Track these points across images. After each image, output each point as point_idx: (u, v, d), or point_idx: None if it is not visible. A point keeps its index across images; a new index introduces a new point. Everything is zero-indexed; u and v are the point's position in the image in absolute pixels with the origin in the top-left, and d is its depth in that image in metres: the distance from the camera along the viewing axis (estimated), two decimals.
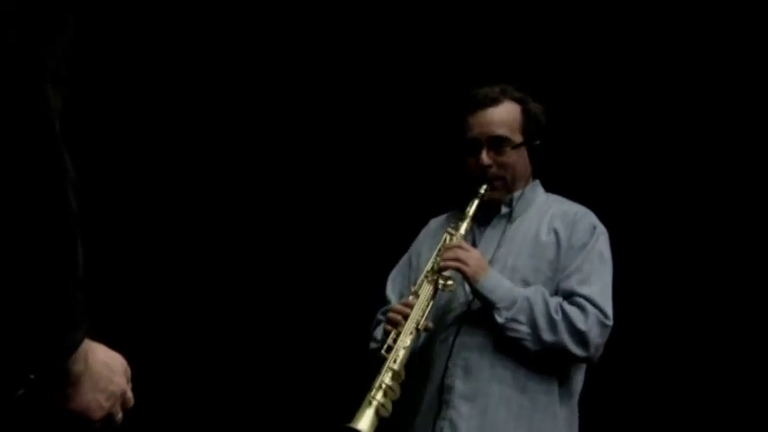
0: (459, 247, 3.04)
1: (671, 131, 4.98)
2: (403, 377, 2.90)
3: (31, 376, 1.67)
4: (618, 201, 3.95)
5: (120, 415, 1.81)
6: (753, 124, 4.96)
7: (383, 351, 2.94)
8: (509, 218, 3.19)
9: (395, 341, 2.95)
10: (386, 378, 2.88)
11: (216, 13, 4.91)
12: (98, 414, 1.74)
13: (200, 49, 4.95)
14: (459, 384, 3.04)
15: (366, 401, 2.85)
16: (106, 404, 1.77)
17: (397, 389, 2.89)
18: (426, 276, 3.06)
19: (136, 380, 1.86)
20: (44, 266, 1.61)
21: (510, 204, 3.19)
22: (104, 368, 1.78)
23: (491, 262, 3.09)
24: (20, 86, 1.63)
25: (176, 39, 4.97)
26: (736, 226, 4.94)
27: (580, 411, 3.23)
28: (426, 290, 3.03)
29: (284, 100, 5.10)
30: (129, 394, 1.83)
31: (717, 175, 4.98)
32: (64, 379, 1.68)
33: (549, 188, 3.40)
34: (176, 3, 4.85)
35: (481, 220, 3.21)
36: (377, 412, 2.84)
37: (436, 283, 3.03)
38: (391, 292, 3.31)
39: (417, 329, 2.98)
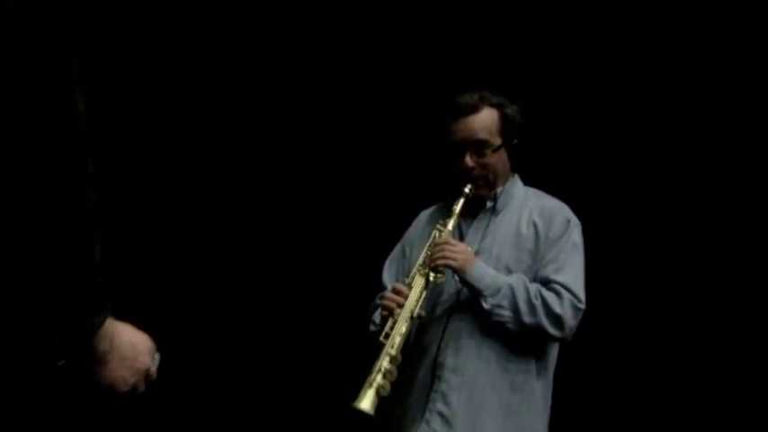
0: (447, 243, 3.21)
1: (640, 128, 4.94)
2: (400, 360, 3.06)
3: (61, 362, 1.76)
4: (591, 193, 4.02)
5: (143, 388, 1.91)
6: (724, 116, 4.90)
7: (381, 338, 3.09)
8: (493, 211, 3.35)
9: (392, 329, 3.10)
10: (384, 362, 3.03)
11: (208, 19, 4.86)
12: (123, 388, 1.86)
13: (193, 51, 4.90)
14: (450, 362, 3.21)
15: (367, 383, 3.00)
16: (131, 380, 1.87)
17: (395, 371, 3.04)
18: (419, 270, 3.23)
19: None
20: (64, 256, 1.68)
21: (494, 199, 3.34)
22: (129, 347, 1.87)
23: (478, 252, 3.27)
24: (48, 90, 1.69)
25: (174, 39, 4.91)
26: (703, 213, 4.92)
27: (555, 384, 3.35)
28: (419, 282, 3.20)
29: (285, 98, 5.12)
30: (153, 370, 1.93)
31: (685, 166, 4.95)
32: (91, 357, 1.79)
33: (527, 181, 3.51)
34: (175, 3, 4.81)
35: (468, 214, 3.36)
36: (377, 393, 2.99)
37: (427, 276, 3.20)
38: (387, 278, 3.47)
39: (412, 317, 3.14)
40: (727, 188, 4.90)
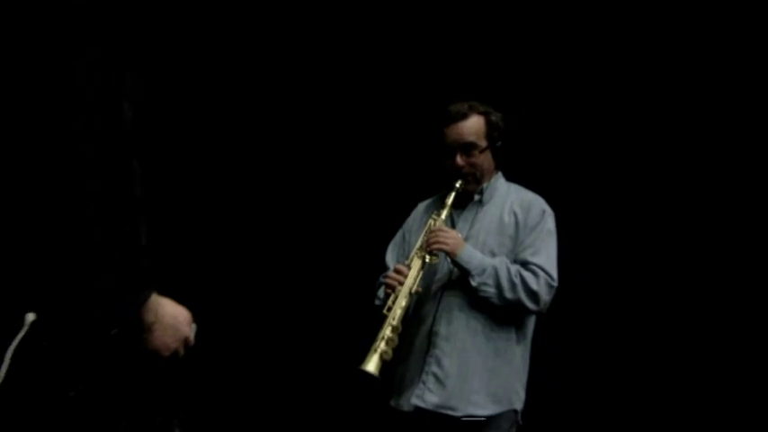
0: (441, 230, 3.51)
1: (623, 126, 5.07)
2: (400, 330, 3.36)
3: (113, 331, 1.91)
4: (563, 187, 4.14)
5: (182, 353, 2.09)
6: (709, 111, 4.97)
7: (384, 311, 3.40)
8: (480, 203, 3.65)
9: (394, 303, 3.41)
10: (387, 331, 3.33)
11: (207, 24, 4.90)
12: (166, 353, 2.04)
13: (195, 53, 4.90)
14: (443, 331, 3.50)
15: (372, 349, 3.30)
16: (173, 345, 2.05)
17: (396, 339, 3.33)
18: (416, 253, 3.53)
19: None
20: (118, 242, 1.87)
21: (481, 193, 3.64)
22: (171, 318, 2.04)
23: (467, 238, 3.56)
24: (104, 100, 1.86)
25: (172, 39, 4.74)
26: (691, 208, 4.97)
27: (532, 350, 3.64)
28: (417, 263, 3.51)
29: (290, 97, 5.19)
30: (191, 337, 2.11)
31: (673, 162, 5.01)
32: (139, 327, 1.96)
33: (509, 177, 3.78)
34: (173, 3, 4.75)
35: (458, 206, 3.65)
36: (381, 357, 3.28)
37: (424, 258, 3.51)
38: (390, 259, 3.75)
39: (410, 293, 3.45)
40: (713, 183, 4.95)
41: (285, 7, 5.10)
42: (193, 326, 2.14)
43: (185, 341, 2.10)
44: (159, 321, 2.00)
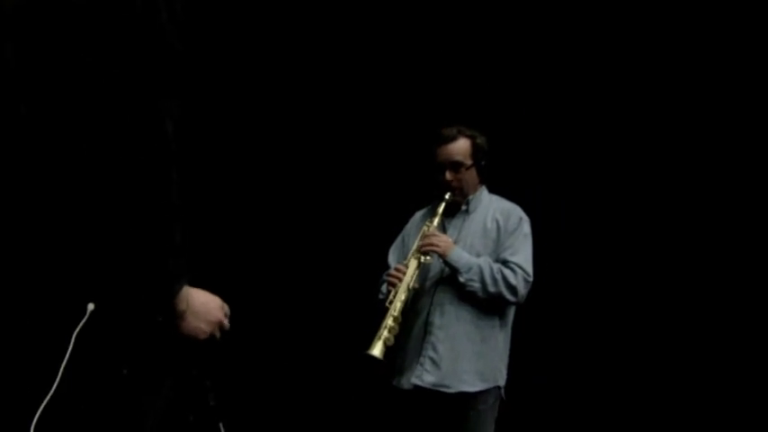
0: (434, 235, 3.89)
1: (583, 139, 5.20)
2: (400, 320, 3.72)
3: (159, 318, 2.00)
4: (537, 198, 4.33)
5: (218, 335, 2.17)
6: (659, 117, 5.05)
7: (387, 304, 3.75)
8: (467, 212, 4.02)
9: (394, 297, 3.76)
10: (389, 321, 3.69)
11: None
12: (201, 336, 2.12)
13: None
14: (437, 321, 3.85)
15: (377, 336, 3.65)
16: (207, 329, 2.13)
17: (397, 328, 3.69)
18: (413, 254, 3.89)
19: None
20: (157, 240, 1.96)
21: (467, 204, 4.01)
22: (202, 306, 2.11)
23: (456, 241, 3.90)
24: (148, 117, 1.94)
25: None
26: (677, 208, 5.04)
27: (512, 335, 3.95)
28: (413, 263, 3.87)
29: (299, 110, 5.33)
30: (225, 322, 2.19)
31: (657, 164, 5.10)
32: (174, 314, 2.04)
33: (492, 190, 4.08)
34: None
35: (449, 214, 4.01)
36: (384, 343, 3.64)
37: (419, 259, 3.87)
38: (391, 260, 4.09)
39: (408, 289, 3.80)
40: (702, 182, 5.01)
41: (283, 24, 5.19)
42: (226, 307, 2.21)
43: (219, 325, 2.17)
44: (190, 309, 2.08)
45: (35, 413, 1.92)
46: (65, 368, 1.94)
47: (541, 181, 5.14)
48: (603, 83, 5.15)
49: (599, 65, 5.16)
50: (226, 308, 2.22)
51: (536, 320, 4.42)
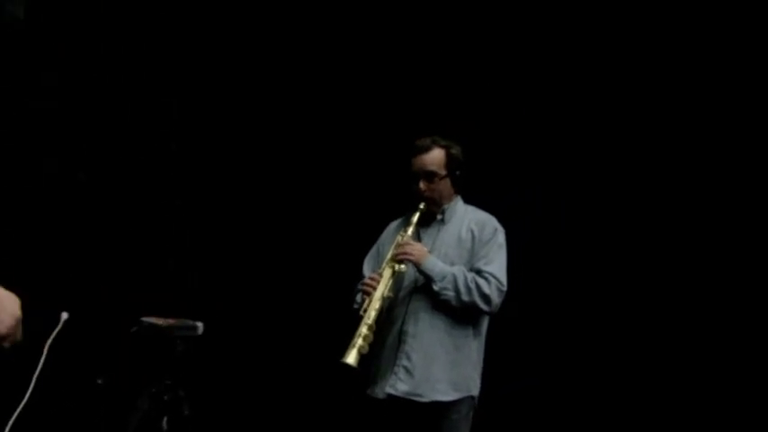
0: (408, 243, 3.89)
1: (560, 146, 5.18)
2: (375, 329, 3.72)
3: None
4: (537, 198, 4.44)
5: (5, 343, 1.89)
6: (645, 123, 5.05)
7: (361, 312, 3.76)
8: (442, 222, 4.02)
9: (368, 305, 3.76)
10: (363, 329, 3.69)
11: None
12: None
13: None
14: (411, 330, 3.86)
15: (351, 344, 3.65)
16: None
17: (371, 336, 3.69)
18: (387, 263, 3.89)
19: None
20: None
21: (443, 214, 4.02)
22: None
23: (431, 251, 3.91)
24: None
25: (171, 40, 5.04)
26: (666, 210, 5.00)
27: (486, 344, 3.95)
28: (388, 272, 3.87)
29: (277, 120, 5.35)
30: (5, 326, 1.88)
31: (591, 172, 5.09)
32: None
33: (490, 191, 4.10)
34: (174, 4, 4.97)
35: (424, 224, 4.02)
36: (359, 351, 3.64)
37: (394, 268, 3.87)
38: (366, 269, 4.09)
39: (383, 297, 3.80)
40: (690, 185, 4.97)
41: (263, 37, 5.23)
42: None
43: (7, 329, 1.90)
44: None
45: (7, 423, 1.91)
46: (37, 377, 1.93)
47: (541, 181, 5.16)
48: (604, 83, 5.16)
49: (599, 65, 5.18)
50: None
51: (508, 329, 4.39)
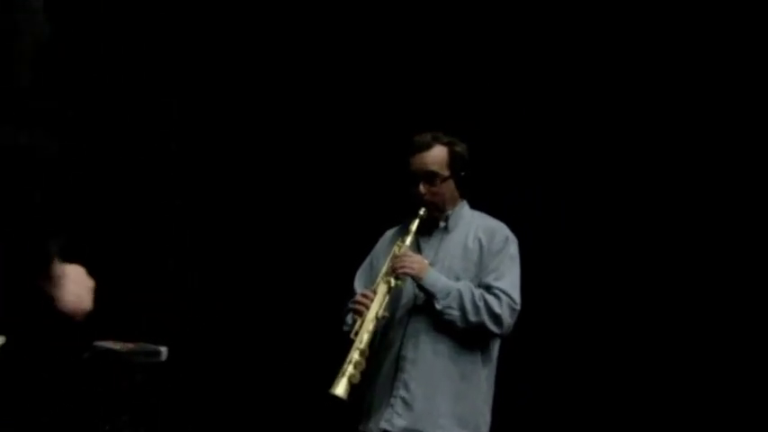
0: (406, 255, 3.52)
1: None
2: (367, 354, 3.37)
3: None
4: (527, 216, 4.20)
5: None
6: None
7: (352, 335, 3.39)
8: (445, 230, 3.67)
9: (360, 327, 3.41)
10: (355, 355, 3.34)
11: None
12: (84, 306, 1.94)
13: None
14: (410, 355, 3.51)
15: (341, 373, 3.31)
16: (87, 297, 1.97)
17: (364, 363, 3.35)
18: (382, 278, 3.53)
19: None
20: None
21: (446, 220, 3.66)
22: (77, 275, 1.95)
23: (433, 263, 3.56)
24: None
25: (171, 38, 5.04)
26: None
27: (497, 373, 3.62)
28: (382, 288, 3.50)
29: (264, 121, 5.28)
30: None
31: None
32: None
33: (489, 191, 3.82)
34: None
35: (425, 232, 3.66)
36: (349, 381, 3.30)
37: (389, 283, 3.50)
38: (357, 285, 3.73)
39: (377, 318, 3.44)
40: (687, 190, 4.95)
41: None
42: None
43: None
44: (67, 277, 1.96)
45: None
46: None
47: (541, 181, 5.15)
48: (604, 83, 5.11)
49: (599, 65, 5.13)
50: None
51: (525, 354, 4.24)
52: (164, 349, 3.36)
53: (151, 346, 3.41)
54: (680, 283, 4.93)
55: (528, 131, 5.23)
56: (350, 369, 3.32)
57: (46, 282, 1.86)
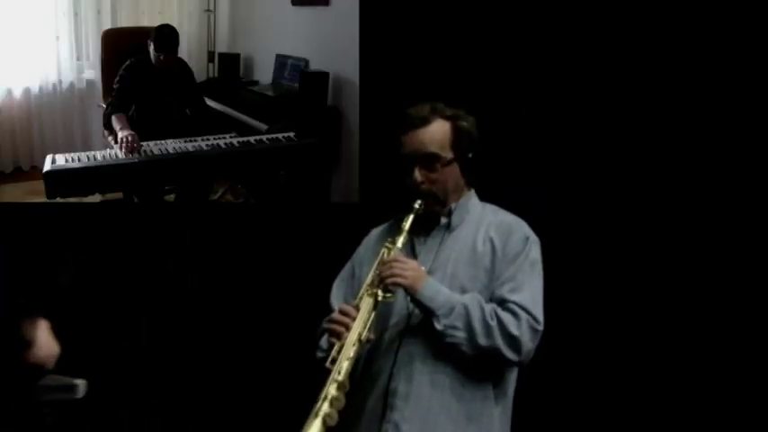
0: (396, 260, 2.98)
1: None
2: (347, 387, 2.79)
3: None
4: (527, 216, 3.74)
5: None
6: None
7: (328, 364, 2.83)
8: (447, 228, 3.14)
9: (339, 353, 2.84)
10: (331, 389, 2.75)
11: None
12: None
13: None
14: (402, 389, 2.99)
15: (313, 413, 2.71)
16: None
17: (342, 398, 2.76)
18: (366, 290, 2.97)
19: None
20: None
21: (448, 215, 3.14)
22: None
23: (431, 270, 3.05)
24: None
25: None
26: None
27: (513, 412, 3.16)
28: (367, 303, 2.93)
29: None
30: None
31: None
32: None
33: (488, 191, 3.34)
34: None
35: (422, 231, 3.14)
36: (324, 423, 2.69)
37: (376, 296, 2.94)
38: (335, 300, 3.21)
39: (360, 341, 2.87)
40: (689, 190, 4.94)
41: None
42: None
43: None
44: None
45: None
46: None
47: (541, 181, 5.12)
48: (604, 83, 5.06)
49: (599, 64, 5.07)
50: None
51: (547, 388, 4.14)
52: (80, 382, 2.88)
53: (65, 379, 2.76)
54: (681, 284, 4.90)
55: (528, 131, 5.20)
56: (325, 407, 2.69)
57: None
